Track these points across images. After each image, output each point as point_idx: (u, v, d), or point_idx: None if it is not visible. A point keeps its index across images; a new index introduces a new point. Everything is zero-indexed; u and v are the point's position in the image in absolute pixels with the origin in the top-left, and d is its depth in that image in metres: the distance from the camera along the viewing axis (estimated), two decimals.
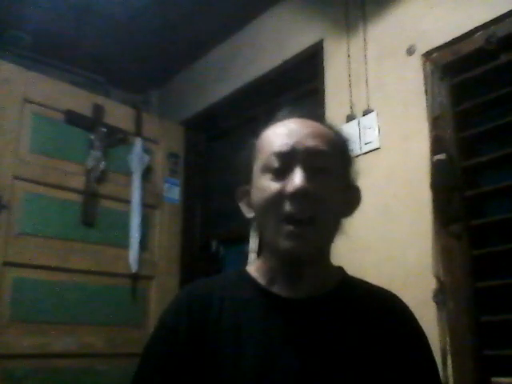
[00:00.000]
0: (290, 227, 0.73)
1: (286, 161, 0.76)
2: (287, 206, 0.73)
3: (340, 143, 0.83)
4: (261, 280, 0.81)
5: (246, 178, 0.83)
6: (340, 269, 0.87)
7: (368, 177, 1.64)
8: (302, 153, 0.76)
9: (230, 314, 0.77)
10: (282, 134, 0.79)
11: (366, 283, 0.86)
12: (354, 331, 0.76)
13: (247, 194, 0.83)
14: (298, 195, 0.73)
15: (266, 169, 0.77)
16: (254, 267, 0.85)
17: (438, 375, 0.80)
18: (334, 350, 0.74)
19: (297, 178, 0.73)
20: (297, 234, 0.73)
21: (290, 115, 0.83)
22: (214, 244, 2.45)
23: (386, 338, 0.76)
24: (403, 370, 0.74)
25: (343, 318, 0.78)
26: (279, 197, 0.74)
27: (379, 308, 0.80)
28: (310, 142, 0.77)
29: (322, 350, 0.74)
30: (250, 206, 0.83)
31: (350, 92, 1.77)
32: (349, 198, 0.82)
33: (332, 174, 0.77)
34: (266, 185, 0.76)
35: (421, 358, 0.78)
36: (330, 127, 0.84)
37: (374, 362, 0.73)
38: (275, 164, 0.76)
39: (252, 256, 1.91)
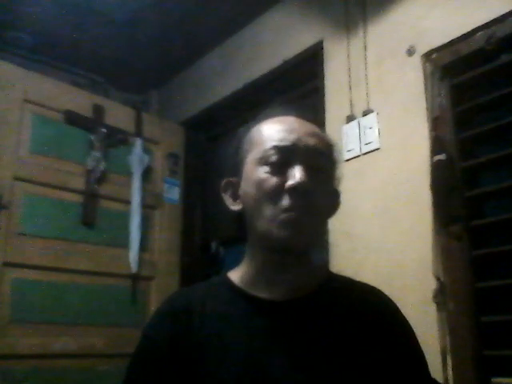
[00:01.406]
0: (287, 216, 0.74)
1: (286, 156, 0.77)
2: (286, 200, 0.74)
3: (332, 146, 0.85)
4: (242, 284, 0.81)
5: (233, 170, 0.84)
6: (324, 267, 0.88)
7: (368, 177, 1.65)
8: (303, 150, 0.77)
9: (212, 320, 0.77)
10: (281, 129, 0.80)
11: (350, 280, 0.87)
12: (339, 330, 0.76)
13: (233, 185, 0.83)
14: (299, 190, 0.74)
15: (263, 161, 0.78)
16: (235, 272, 0.85)
17: (427, 366, 0.80)
18: (319, 350, 0.74)
19: (298, 173, 0.74)
20: (293, 222, 0.74)
21: (286, 113, 0.84)
22: (213, 244, 2.44)
23: (372, 334, 0.76)
24: (391, 365, 0.74)
25: (327, 318, 0.77)
26: (278, 190, 0.75)
27: (363, 304, 0.81)
28: (311, 141, 0.78)
29: (306, 351, 0.74)
30: (235, 197, 0.83)
31: (350, 92, 1.77)
32: (333, 201, 0.84)
33: (326, 174, 0.80)
34: (263, 177, 0.77)
35: (408, 350, 0.78)
36: (323, 131, 0.86)
37: (360, 361, 0.73)
38: (274, 157, 0.77)
39: None
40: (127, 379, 0.79)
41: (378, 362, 0.74)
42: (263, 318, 0.76)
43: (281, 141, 0.78)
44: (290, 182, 0.74)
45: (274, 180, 0.76)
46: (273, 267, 0.79)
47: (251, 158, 0.80)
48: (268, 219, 0.75)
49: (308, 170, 0.76)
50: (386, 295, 0.84)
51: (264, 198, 0.76)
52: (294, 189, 0.74)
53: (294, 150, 0.77)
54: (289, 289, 0.79)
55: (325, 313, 0.78)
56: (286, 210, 0.74)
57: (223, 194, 0.85)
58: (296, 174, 0.74)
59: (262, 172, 0.77)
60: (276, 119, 0.83)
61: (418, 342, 0.80)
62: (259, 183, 0.77)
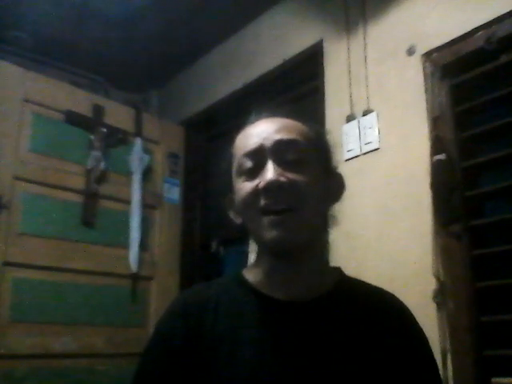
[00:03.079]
0: (270, 217, 0.74)
1: (258, 159, 0.77)
2: (262, 201, 0.74)
3: (313, 133, 0.83)
4: (256, 282, 0.81)
5: (230, 186, 0.84)
6: (337, 269, 0.87)
7: (368, 177, 1.65)
8: (271, 147, 0.77)
9: (225, 318, 0.77)
10: (251, 134, 0.80)
11: (365, 284, 0.86)
12: (352, 333, 0.76)
13: (233, 201, 0.84)
14: (271, 189, 0.73)
15: (240, 171, 0.79)
16: (249, 270, 0.85)
17: (438, 374, 0.80)
18: (331, 352, 0.73)
19: (268, 172, 0.74)
20: (277, 222, 0.73)
21: (259, 117, 0.84)
22: (214, 244, 2.44)
23: (385, 339, 0.76)
24: (404, 371, 0.74)
25: (340, 320, 0.77)
26: (255, 194, 0.75)
27: (377, 309, 0.80)
28: (277, 136, 0.78)
29: (318, 353, 0.73)
30: (236, 212, 0.84)
31: (350, 92, 1.77)
32: (331, 186, 0.83)
33: (307, 163, 0.78)
34: (241, 186, 0.78)
35: (421, 357, 0.78)
36: (301, 121, 0.84)
37: (372, 365, 0.73)
38: (248, 164, 0.78)
39: (252, 256, 1.91)
40: (138, 374, 0.78)
41: (390, 367, 0.74)
42: (277, 318, 0.76)
43: (250, 146, 0.78)
44: (260, 184, 0.75)
45: (249, 185, 0.76)
46: (281, 268, 0.79)
47: (233, 171, 0.82)
48: (256, 224, 0.76)
49: (283, 164, 0.76)
50: (400, 301, 0.84)
51: (246, 206, 0.77)
52: (267, 188, 0.74)
53: (262, 151, 0.77)
54: (302, 290, 0.78)
55: (338, 315, 0.78)
56: (265, 211, 0.74)
57: (228, 212, 0.86)
58: (266, 173, 0.74)
59: (241, 182, 0.78)
60: (249, 126, 0.83)
61: (431, 349, 0.80)
62: (240, 193, 0.78)
